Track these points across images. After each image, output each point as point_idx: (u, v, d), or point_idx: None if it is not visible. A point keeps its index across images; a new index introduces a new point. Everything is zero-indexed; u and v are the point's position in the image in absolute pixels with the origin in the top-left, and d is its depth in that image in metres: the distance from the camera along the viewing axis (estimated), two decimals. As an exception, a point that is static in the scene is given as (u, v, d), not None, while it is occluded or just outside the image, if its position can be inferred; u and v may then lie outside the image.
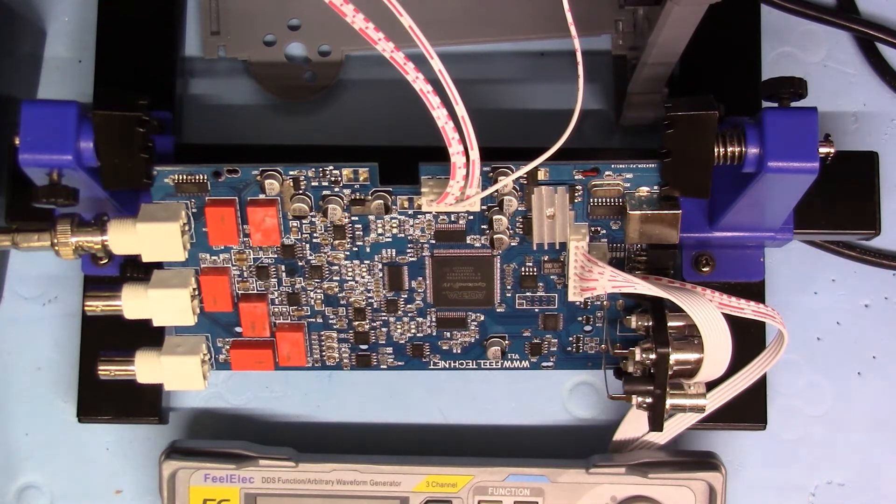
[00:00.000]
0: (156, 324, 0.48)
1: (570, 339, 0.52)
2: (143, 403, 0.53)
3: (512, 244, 0.49)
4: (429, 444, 0.56)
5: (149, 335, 0.49)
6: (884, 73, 0.57)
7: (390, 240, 0.49)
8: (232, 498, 0.52)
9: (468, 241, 0.49)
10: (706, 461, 0.52)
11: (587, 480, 0.52)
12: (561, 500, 0.52)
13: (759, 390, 0.53)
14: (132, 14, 0.54)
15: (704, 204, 0.50)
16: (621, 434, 0.53)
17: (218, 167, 0.47)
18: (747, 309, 0.47)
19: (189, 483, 0.52)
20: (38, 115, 0.44)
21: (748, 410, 0.53)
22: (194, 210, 0.48)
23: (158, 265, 0.48)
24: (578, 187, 0.48)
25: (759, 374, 0.50)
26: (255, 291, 0.51)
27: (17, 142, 0.44)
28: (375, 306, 0.51)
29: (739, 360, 0.49)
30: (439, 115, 0.41)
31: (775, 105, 0.45)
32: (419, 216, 0.49)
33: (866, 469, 0.56)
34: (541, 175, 0.47)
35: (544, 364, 0.53)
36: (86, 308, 0.47)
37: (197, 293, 0.49)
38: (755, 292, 0.52)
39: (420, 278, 0.50)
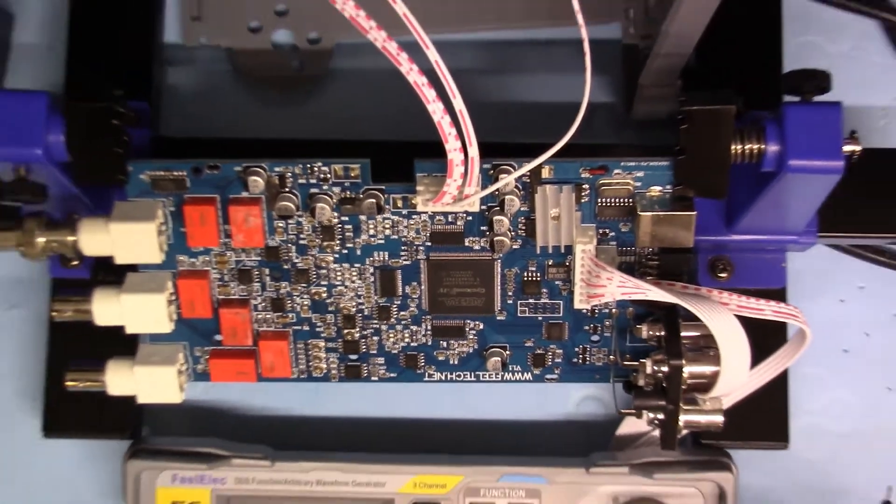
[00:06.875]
0: (129, 331, 0.48)
1: (577, 349, 0.52)
2: (115, 417, 0.53)
3: (514, 247, 0.49)
4: (416, 441, 0.55)
5: (121, 343, 0.49)
6: (915, 65, 0.57)
7: (383, 242, 0.49)
8: (202, 500, 0.52)
9: (466, 244, 0.49)
10: (716, 460, 0.52)
11: (587, 481, 0.52)
12: (559, 502, 0.52)
13: (780, 407, 0.53)
14: (107, -3, 0.55)
15: (721, 205, 0.50)
16: (624, 429, 0.53)
17: (198, 163, 0.47)
18: (767, 309, 0.47)
19: (156, 485, 0.52)
20: (4, 105, 0.44)
21: (769, 429, 0.53)
22: (172, 208, 0.48)
23: (133, 268, 0.49)
24: (585, 186, 0.48)
25: (777, 371, 0.50)
26: (237, 297, 0.50)
27: (-19, 135, 0.44)
28: (366, 313, 0.51)
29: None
30: (435, 108, 0.41)
31: (797, 99, 0.45)
32: (414, 216, 0.49)
33: None
34: (545, 173, 0.47)
35: (548, 376, 0.52)
36: (53, 314, 0.47)
37: (174, 298, 0.49)
38: (776, 300, 0.51)
39: (414, 283, 0.50)
